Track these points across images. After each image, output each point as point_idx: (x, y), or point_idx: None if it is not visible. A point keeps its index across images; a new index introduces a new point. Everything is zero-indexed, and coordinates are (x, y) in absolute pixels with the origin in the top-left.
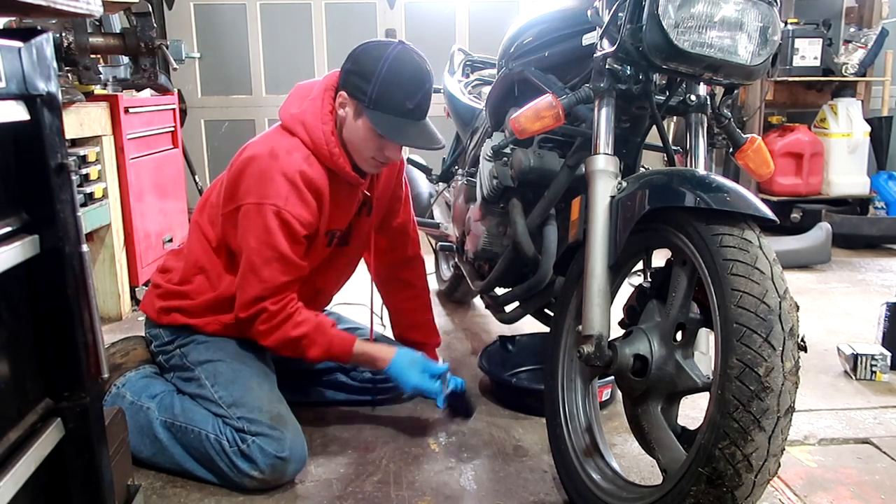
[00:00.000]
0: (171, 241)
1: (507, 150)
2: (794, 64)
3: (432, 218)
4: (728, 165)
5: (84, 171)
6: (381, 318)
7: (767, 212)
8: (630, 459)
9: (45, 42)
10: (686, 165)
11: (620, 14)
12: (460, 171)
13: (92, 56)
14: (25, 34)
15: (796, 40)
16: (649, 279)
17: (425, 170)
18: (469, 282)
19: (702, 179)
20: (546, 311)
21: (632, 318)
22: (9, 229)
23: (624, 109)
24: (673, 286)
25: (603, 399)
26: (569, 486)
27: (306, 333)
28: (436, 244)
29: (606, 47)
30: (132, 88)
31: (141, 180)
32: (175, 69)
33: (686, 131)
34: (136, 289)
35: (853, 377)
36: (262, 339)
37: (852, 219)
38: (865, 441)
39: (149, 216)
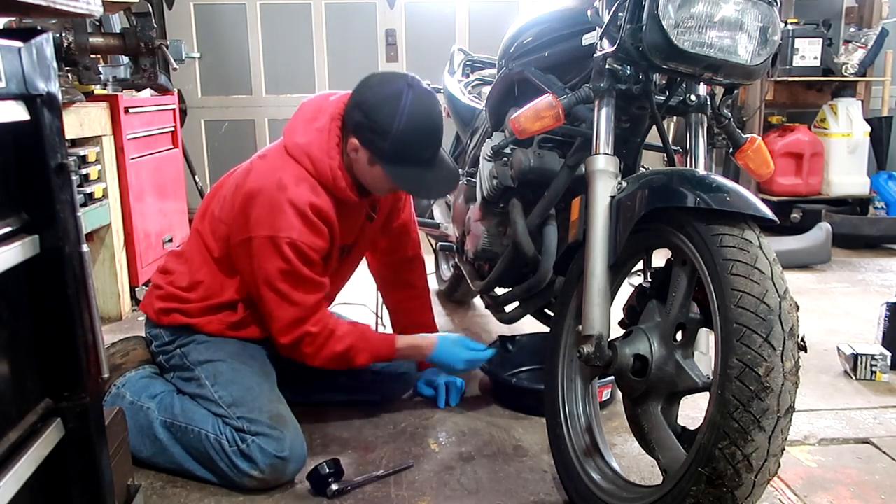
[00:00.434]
0: (171, 241)
1: (507, 150)
2: (794, 64)
3: (432, 218)
4: (728, 165)
5: (84, 171)
6: (381, 318)
7: (767, 212)
8: (630, 459)
9: (45, 42)
10: (686, 165)
11: (620, 14)
12: (460, 171)
13: (92, 56)
14: (25, 34)
15: (796, 40)
16: (649, 279)
17: None
18: (469, 282)
19: (702, 179)
20: (546, 311)
21: (632, 318)
22: (9, 229)
23: (624, 109)
24: (673, 286)
25: (603, 399)
26: (569, 486)
27: (351, 345)
28: (436, 244)
29: (606, 47)
30: (132, 88)
31: (141, 180)
32: (175, 69)
33: (686, 131)
34: (136, 289)
35: (853, 377)
36: (310, 361)
37: (852, 219)
38: (865, 441)
39: (149, 216)
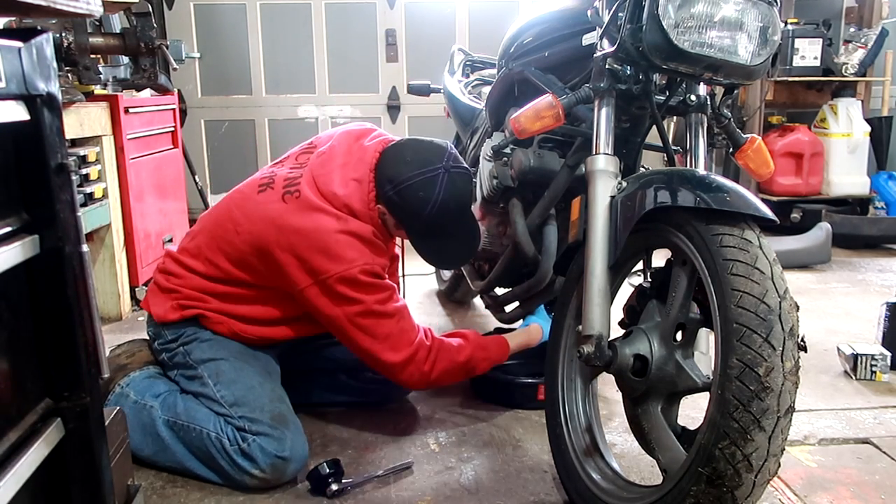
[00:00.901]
0: (170, 240)
1: (507, 150)
2: (794, 64)
3: None
4: (728, 165)
5: (84, 171)
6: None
7: (767, 212)
8: (630, 459)
9: (45, 42)
10: (686, 165)
11: (620, 14)
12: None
13: (92, 56)
14: (25, 34)
15: (796, 40)
16: (649, 279)
17: None
18: (469, 282)
19: (702, 179)
20: None
21: (632, 318)
22: (9, 229)
23: (624, 109)
24: (673, 286)
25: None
26: (569, 486)
27: (472, 355)
28: None
29: (606, 47)
30: (132, 88)
31: (141, 180)
32: (175, 69)
33: (686, 131)
34: (136, 289)
35: (853, 377)
36: (426, 379)
37: (852, 219)
38: (865, 441)
39: (149, 216)
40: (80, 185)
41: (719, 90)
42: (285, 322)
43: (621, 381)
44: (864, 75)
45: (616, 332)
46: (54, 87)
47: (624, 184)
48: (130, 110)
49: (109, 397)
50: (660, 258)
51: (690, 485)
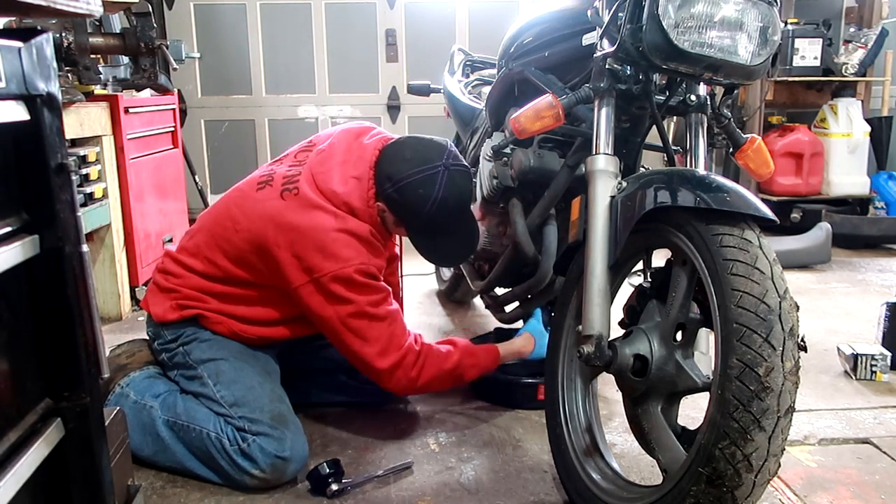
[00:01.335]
0: (170, 240)
1: (507, 150)
2: (794, 64)
3: None
4: (728, 165)
5: (84, 171)
6: None
7: (767, 212)
8: (630, 459)
9: (45, 42)
10: (686, 165)
11: (620, 14)
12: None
13: (92, 56)
14: (25, 34)
15: (796, 40)
16: (649, 279)
17: None
18: (469, 282)
19: (702, 179)
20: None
21: (632, 318)
22: (9, 229)
23: (624, 109)
24: (673, 286)
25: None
26: (569, 486)
27: (460, 361)
28: None
29: (606, 47)
30: (132, 88)
31: (141, 180)
32: (175, 69)
33: (686, 131)
34: (136, 289)
35: (853, 377)
36: (413, 385)
37: (852, 219)
38: (865, 441)
39: (149, 216)
40: (80, 185)
41: (719, 90)
42: (285, 322)
43: (621, 381)
44: (864, 75)
45: (616, 332)
46: (54, 87)
47: (624, 184)
48: (130, 110)
49: (109, 397)
50: (660, 258)
51: (690, 485)
